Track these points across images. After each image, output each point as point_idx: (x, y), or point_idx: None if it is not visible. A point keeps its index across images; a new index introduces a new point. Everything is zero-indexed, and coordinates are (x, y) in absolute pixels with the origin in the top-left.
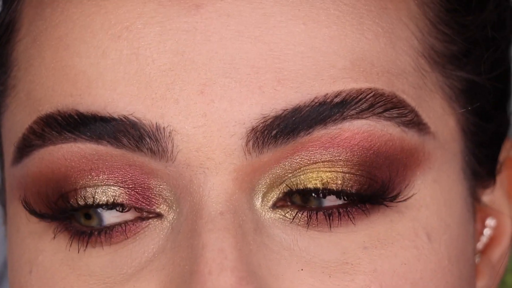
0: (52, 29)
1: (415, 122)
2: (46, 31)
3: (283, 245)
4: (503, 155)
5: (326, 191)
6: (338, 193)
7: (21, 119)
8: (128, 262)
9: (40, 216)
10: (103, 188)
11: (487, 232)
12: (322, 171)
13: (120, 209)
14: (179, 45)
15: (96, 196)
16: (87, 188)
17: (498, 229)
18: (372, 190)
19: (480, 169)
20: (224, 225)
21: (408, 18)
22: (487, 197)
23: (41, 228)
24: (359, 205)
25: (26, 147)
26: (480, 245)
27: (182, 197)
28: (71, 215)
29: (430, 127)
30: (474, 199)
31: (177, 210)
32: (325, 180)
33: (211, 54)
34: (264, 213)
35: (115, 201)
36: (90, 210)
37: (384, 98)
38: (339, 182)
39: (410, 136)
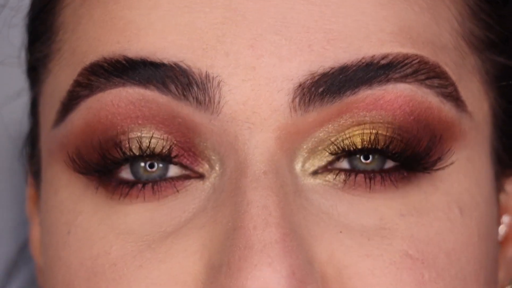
0: None
1: (454, 96)
2: None
3: (321, 209)
4: None
5: (372, 149)
6: (383, 152)
7: (65, 78)
8: (167, 220)
9: (85, 173)
10: (155, 137)
11: (502, 229)
12: (366, 133)
13: (169, 158)
14: (232, 2)
15: (151, 142)
16: (138, 138)
17: None
18: (414, 153)
19: (506, 157)
20: (268, 184)
21: (450, 2)
22: (509, 186)
23: (81, 188)
24: (400, 171)
25: (71, 100)
26: None
27: (226, 155)
28: (117, 167)
29: (467, 106)
30: (498, 187)
31: (220, 170)
32: (367, 140)
33: (263, 12)
34: (304, 178)
35: (163, 150)
36: (151, 159)
37: (428, 66)
38: (381, 143)
39: (448, 108)
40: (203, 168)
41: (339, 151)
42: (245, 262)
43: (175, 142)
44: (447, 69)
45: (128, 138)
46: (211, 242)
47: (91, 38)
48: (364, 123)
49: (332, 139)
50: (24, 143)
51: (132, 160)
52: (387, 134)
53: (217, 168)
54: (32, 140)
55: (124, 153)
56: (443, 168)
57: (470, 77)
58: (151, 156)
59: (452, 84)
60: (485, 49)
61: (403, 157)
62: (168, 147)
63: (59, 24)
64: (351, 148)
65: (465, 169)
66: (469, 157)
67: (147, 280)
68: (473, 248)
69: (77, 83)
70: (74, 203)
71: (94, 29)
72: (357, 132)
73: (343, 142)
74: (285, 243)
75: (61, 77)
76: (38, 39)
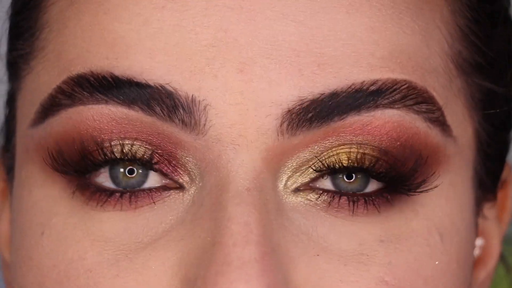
0: None
1: (440, 121)
2: None
3: (301, 229)
4: (503, 175)
5: (357, 168)
6: (367, 171)
7: (48, 80)
8: (144, 231)
9: (64, 172)
10: (134, 145)
11: (475, 251)
12: (353, 152)
13: (150, 164)
14: (223, 22)
15: (133, 148)
16: (113, 165)
17: (486, 250)
18: (399, 173)
19: (488, 182)
20: (251, 201)
21: (441, 22)
22: (488, 211)
23: (57, 190)
24: (383, 194)
25: (52, 106)
26: None
27: (207, 171)
28: (97, 169)
29: (452, 130)
30: (478, 211)
31: (200, 184)
32: (353, 159)
33: (254, 34)
34: (285, 196)
35: (145, 155)
36: (131, 164)
37: (416, 91)
38: (367, 163)
39: (434, 134)
40: (183, 179)
41: (323, 168)
42: (222, 278)
43: (157, 151)
44: (434, 94)
45: (110, 143)
46: (188, 256)
47: (79, 46)
48: (351, 144)
49: (318, 156)
50: None
51: (112, 163)
52: (374, 154)
53: (197, 182)
54: (7, 133)
55: (105, 154)
56: (427, 190)
57: (456, 101)
58: (131, 160)
59: (439, 109)
60: (471, 72)
61: (388, 177)
62: (149, 153)
63: (44, 22)
64: (336, 166)
65: (447, 193)
66: (451, 181)
67: None
68: (451, 275)
69: (60, 90)
70: (50, 205)
71: (83, 37)
72: (343, 150)
73: (328, 159)
74: (264, 261)
75: (44, 78)
76: (21, 35)
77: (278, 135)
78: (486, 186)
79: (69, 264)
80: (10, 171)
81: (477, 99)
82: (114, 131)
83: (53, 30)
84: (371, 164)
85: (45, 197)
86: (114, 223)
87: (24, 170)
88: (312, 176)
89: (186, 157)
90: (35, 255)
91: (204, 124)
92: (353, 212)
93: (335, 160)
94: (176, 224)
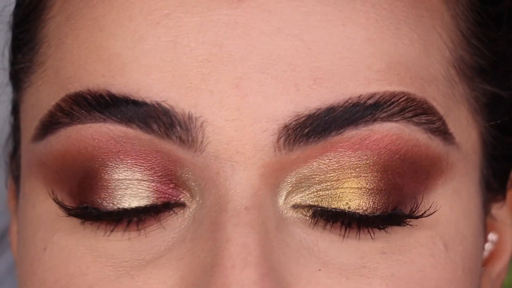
0: (88, 9)
1: (442, 131)
2: (82, 11)
3: (302, 244)
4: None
5: (351, 218)
6: (361, 220)
7: (47, 96)
8: (147, 248)
9: (68, 210)
10: (133, 186)
11: (488, 246)
12: (349, 190)
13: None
14: (218, 37)
15: (130, 200)
16: (116, 191)
17: (500, 244)
18: (396, 213)
19: (494, 183)
20: (249, 221)
21: (441, 28)
22: (495, 211)
23: (58, 206)
24: (381, 226)
25: (52, 124)
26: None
27: (206, 188)
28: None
29: (455, 138)
30: (486, 212)
31: (200, 201)
32: (353, 207)
33: (249, 49)
34: (286, 211)
35: (146, 205)
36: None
37: (415, 103)
38: (364, 206)
39: (435, 144)
40: (185, 197)
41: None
42: None
43: (156, 180)
44: (434, 104)
45: (113, 198)
46: (189, 275)
47: (76, 63)
48: (348, 168)
49: (313, 199)
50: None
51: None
52: (372, 185)
53: (198, 198)
54: (14, 138)
55: (107, 179)
56: (426, 216)
57: (459, 107)
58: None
59: (440, 118)
60: (474, 76)
61: (384, 217)
62: (151, 200)
63: (43, 36)
64: (344, 211)
65: (451, 202)
66: (455, 189)
67: None
68: (457, 283)
69: (59, 107)
70: (52, 220)
71: (79, 54)
72: (340, 195)
73: (323, 202)
74: (264, 283)
75: (43, 94)
76: (21, 48)
77: (275, 151)
78: (494, 188)
79: (71, 279)
80: (17, 180)
81: (481, 103)
82: (113, 150)
83: (51, 46)
84: (371, 206)
85: (47, 213)
86: (118, 241)
87: (27, 184)
88: (312, 203)
89: (186, 174)
90: (38, 270)
91: (202, 141)
92: (343, 237)
93: (334, 209)
94: (177, 242)
